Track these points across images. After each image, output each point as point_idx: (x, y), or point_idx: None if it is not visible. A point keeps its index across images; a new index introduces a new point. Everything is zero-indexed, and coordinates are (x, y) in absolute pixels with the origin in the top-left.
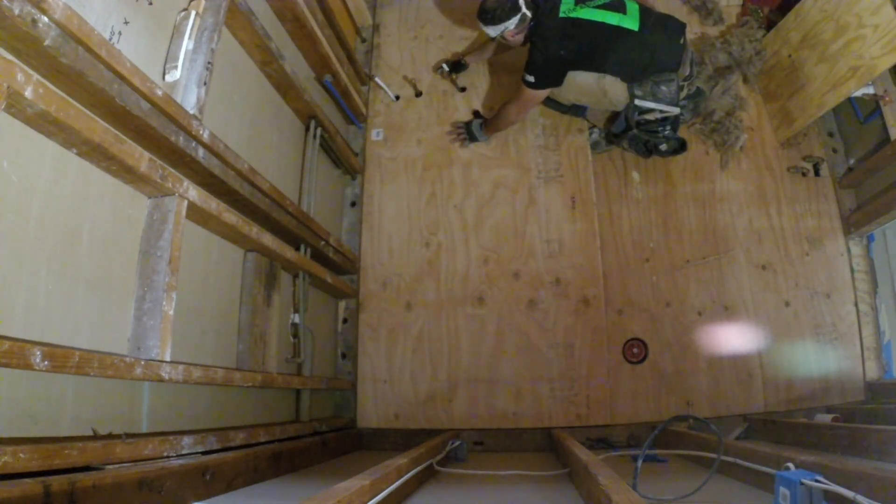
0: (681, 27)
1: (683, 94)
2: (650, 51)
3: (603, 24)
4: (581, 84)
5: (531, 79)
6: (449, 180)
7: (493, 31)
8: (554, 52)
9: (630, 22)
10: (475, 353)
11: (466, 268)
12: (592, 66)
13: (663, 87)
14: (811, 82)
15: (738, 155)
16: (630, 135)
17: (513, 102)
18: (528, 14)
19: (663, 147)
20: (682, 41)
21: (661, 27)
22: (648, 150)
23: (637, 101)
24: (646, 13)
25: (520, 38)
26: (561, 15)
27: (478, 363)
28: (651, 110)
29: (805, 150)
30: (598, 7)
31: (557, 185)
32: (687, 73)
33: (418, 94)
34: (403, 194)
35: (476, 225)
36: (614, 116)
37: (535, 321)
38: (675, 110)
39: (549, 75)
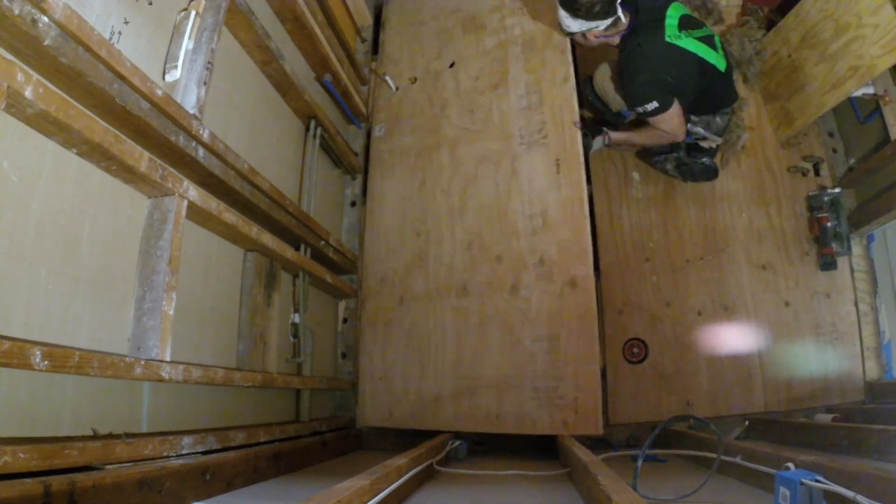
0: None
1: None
2: (725, 89)
3: (700, 57)
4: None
5: (654, 105)
6: (438, 164)
7: (576, 25)
8: (662, 76)
9: (720, 61)
10: (459, 348)
11: (452, 255)
12: (680, 96)
13: (718, 120)
14: (811, 82)
15: (739, 154)
16: (674, 157)
17: (648, 134)
18: (623, 21)
19: (704, 178)
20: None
21: (732, 65)
22: (688, 175)
23: (690, 126)
24: (726, 51)
25: (599, 42)
26: (667, 39)
27: (461, 360)
28: (704, 138)
29: (805, 150)
30: (698, 39)
31: (541, 149)
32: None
33: (413, 80)
34: (399, 186)
35: (461, 207)
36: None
37: (518, 310)
38: (719, 140)
39: (662, 94)
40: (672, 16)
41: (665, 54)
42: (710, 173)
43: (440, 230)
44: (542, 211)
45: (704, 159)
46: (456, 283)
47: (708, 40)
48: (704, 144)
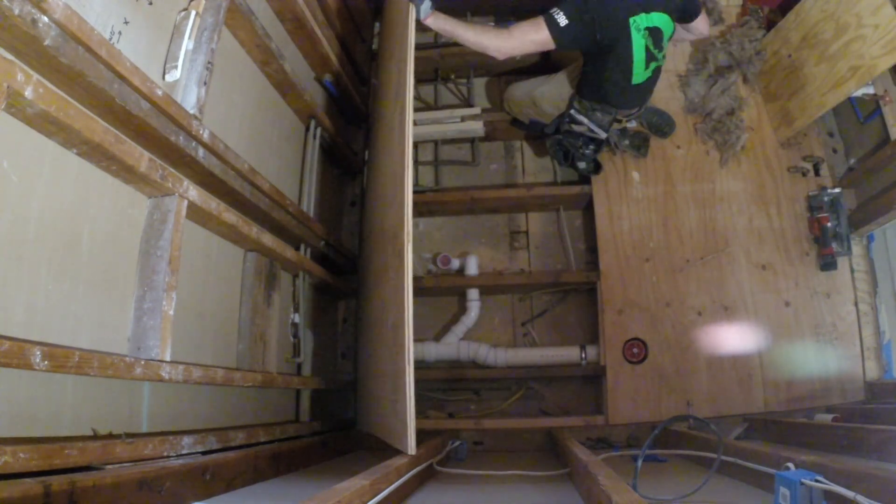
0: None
1: (622, 126)
2: (624, 92)
3: (631, 55)
4: (512, 96)
5: (559, 17)
6: None
7: None
8: (589, 23)
9: (641, 74)
10: None
11: None
12: (591, 62)
13: (598, 114)
14: (811, 82)
15: (738, 155)
16: (555, 138)
17: (507, 35)
18: None
19: (581, 165)
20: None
21: (648, 89)
22: (566, 159)
23: (573, 112)
24: (654, 76)
25: None
26: (630, 17)
27: None
28: (581, 124)
29: (805, 150)
30: (647, 41)
31: None
32: (631, 113)
33: None
34: None
35: None
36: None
37: None
38: (603, 135)
39: (576, 29)
40: (646, 20)
41: (613, 17)
42: (592, 167)
43: None
44: None
45: (587, 151)
46: None
47: (651, 53)
48: (577, 129)
